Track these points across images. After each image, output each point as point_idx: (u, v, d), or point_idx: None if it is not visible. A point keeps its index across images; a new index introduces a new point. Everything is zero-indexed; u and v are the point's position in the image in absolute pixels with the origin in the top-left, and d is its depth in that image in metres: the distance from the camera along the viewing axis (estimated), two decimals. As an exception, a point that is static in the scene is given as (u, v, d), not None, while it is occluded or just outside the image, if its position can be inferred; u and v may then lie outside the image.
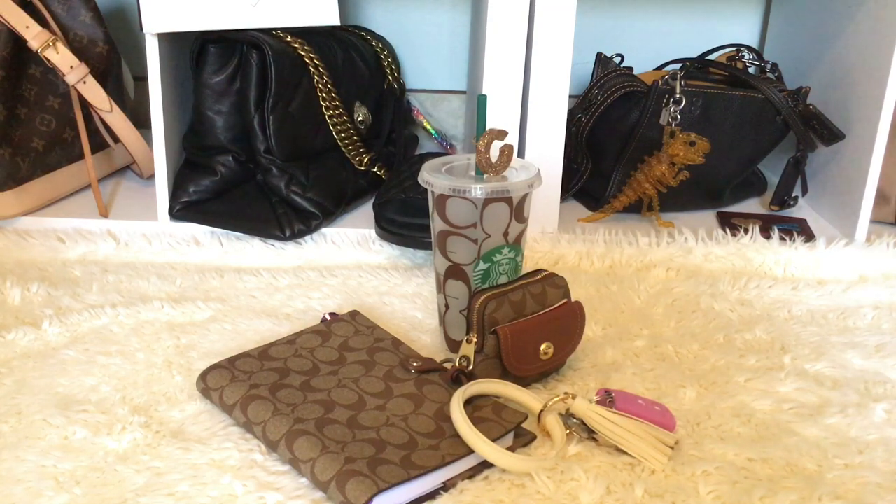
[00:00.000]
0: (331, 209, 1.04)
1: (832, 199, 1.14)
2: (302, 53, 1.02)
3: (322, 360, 0.74)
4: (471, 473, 0.64)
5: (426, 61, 1.38)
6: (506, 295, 0.73)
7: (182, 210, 1.01)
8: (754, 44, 1.39)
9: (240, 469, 0.64)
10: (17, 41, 0.99)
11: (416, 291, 0.93)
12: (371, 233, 1.03)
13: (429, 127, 1.36)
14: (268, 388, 0.69)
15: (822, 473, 0.66)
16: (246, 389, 0.69)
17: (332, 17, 1.03)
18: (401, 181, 1.03)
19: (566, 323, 0.76)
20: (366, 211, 1.09)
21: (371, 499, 0.58)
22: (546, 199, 1.06)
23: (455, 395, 0.66)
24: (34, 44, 0.98)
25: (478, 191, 0.74)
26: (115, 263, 0.97)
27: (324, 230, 1.03)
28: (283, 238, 1.00)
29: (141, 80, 1.27)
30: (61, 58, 1.00)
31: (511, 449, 0.67)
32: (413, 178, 1.02)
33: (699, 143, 1.04)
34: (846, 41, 1.11)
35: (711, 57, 1.19)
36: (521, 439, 0.68)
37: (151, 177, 1.11)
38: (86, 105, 1.05)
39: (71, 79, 1.01)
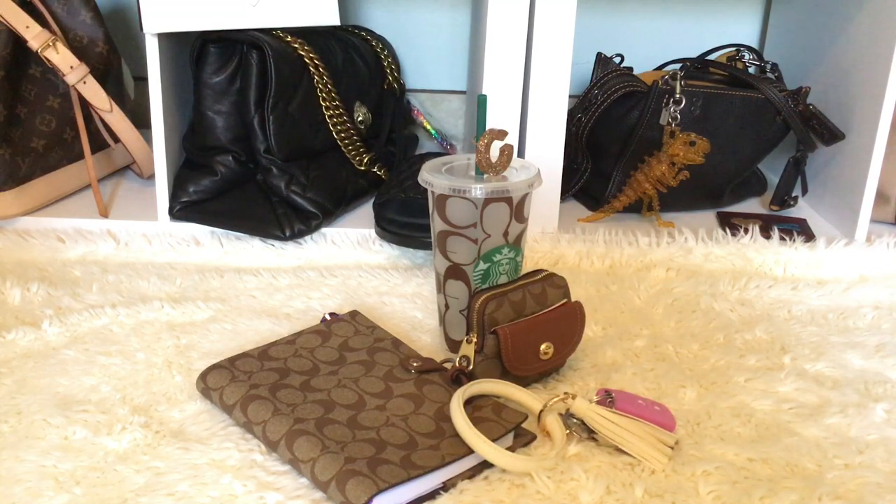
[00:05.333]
0: (331, 209, 1.04)
1: (832, 199, 1.14)
2: (302, 53, 1.02)
3: (322, 360, 0.74)
4: (471, 473, 0.64)
5: (426, 61, 1.38)
6: (506, 295, 0.73)
7: (182, 210, 1.01)
8: (754, 44, 1.39)
9: (240, 469, 0.64)
10: (17, 41, 0.99)
11: (416, 291, 0.93)
12: (371, 233, 1.03)
13: (429, 127, 1.36)
14: (268, 388, 0.69)
15: (822, 473, 0.66)
16: (246, 389, 0.69)
17: (332, 17, 1.03)
18: (401, 181, 1.03)
19: (566, 323, 0.76)
20: (366, 211, 1.09)
21: (371, 499, 0.58)
22: (546, 199, 1.06)
23: (455, 395, 0.66)
24: (34, 44, 0.98)
25: (478, 191, 0.74)
26: (115, 263, 0.97)
27: (324, 230, 1.03)
28: (283, 238, 1.00)
29: (141, 80, 1.27)
30: (61, 58, 1.00)
31: (511, 449, 0.67)
32: (413, 178, 1.02)
33: (699, 143, 1.04)
34: (846, 41, 1.11)
35: (711, 57, 1.19)
36: (521, 439, 0.68)
37: (151, 177, 1.11)
38: (86, 105, 1.05)
39: (71, 79, 1.01)
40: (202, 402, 0.72)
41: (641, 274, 0.99)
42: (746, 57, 1.17)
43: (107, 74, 1.10)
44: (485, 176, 0.77)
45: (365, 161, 1.11)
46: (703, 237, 1.04)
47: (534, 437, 0.69)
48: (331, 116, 1.06)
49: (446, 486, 0.63)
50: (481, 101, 0.78)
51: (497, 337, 0.72)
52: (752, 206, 1.20)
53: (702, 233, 1.05)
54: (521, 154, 1.06)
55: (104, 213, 1.04)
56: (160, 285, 0.92)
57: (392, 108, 1.20)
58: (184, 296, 0.90)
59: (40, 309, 0.86)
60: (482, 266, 0.77)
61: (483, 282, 0.78)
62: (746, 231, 1.06)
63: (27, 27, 0.98)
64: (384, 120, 1.19)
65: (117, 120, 1.06)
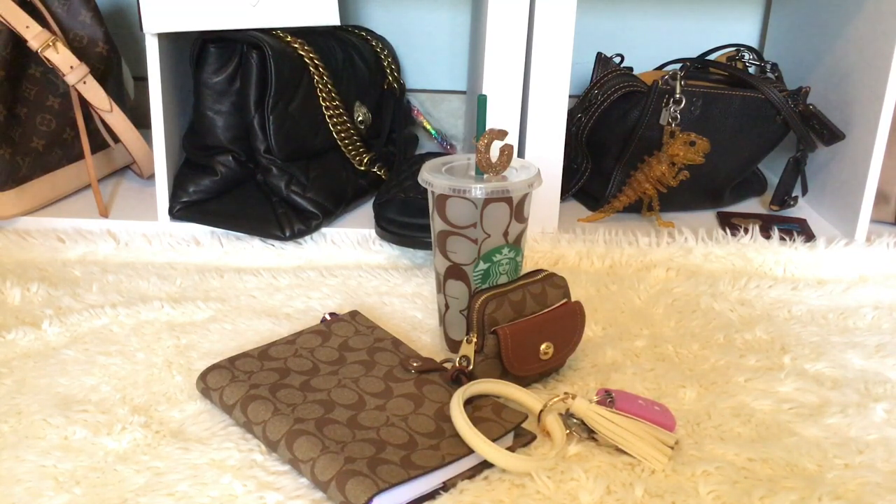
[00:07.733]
0: (331, 209, 1.04)
1: (832, 199, 1.14)
2: (302, 53, 1.02)
3: (322, 360, 0.74)
4: (471, 473, 0.64)
5: (426, 61, 1.38)
6: (506, 295, 0.73)
7: (182, 210, 1.01)
8: (754, 44, 1.39)
9: (240, 469, 0.64)
10: (17, 41, 0.99)
11: (416, 291, 0.93)
12: (371, 233, 1.03)
13: (429, 127, 1.36)
14: (268, 388, 0.69)
15: (822, 473, 0.66)
16: (246, 389, 0.69)
17: (332, 17, 1.03)
18: (401, 181, 1.03)
19: (566, 323, 0.76)
20: (366, 211, 1.09)
21: (371, 499, 0.58)
22: (546, 199, 1.06)
23: (455, 395, 0.66)
24: (34, 44, 0.98)
25: (478, 191, 0.74)
26: (115, 263, 0.97)
27: (324, 230, 1.03)
28: (283, 238, 1.00)
29: (141, 80, 1.27)
30: (61, 58, 1.00)
31: (511, 449, 0.67)
32: (413, 178, 1.02)
33: (699, 143, 1.04)
34: (846, 41, 1.11)
35: (711, 57, 1.19)
36: (521, 439, 0.68)
37: (151, 177, 1.11)
38: (86, 105, 1.05)
39: (71, 79, 1.01)
40: (202, 402, 0.72)
41: (641, 274, 0.99)
42: (746, 57, 1.17)
43: (107, 74, 1.10)
44: (485, 176, 0.77)
45: (365, 161, 1.11)
46: (703, 237, 1.04)
47: (534, 437, 0.69)
48: (331, 116, 1.06)
49: (446, 486, 0.63)
50: (481, 101, 0.78)
51: (497, 337, 0.72)
52: (752, 206, 1.20)
53: (702, 233, 1.05)
54: (521, 154, 1.06)
55: (104, 213, 1.04)
56: (160, 285, 0.92)
57: (392, 108, 1.20)
58: (184, 296, 0.90)
59: (40, 309, 0.86)
60: (482, 266, 0.77)
61: (483, 282, 0.78)
62: (746, 231, 1.06)
63: (27, 27, 0.98)
64: (384, 120, 1.19)
65: (117, 120, 1.06)
